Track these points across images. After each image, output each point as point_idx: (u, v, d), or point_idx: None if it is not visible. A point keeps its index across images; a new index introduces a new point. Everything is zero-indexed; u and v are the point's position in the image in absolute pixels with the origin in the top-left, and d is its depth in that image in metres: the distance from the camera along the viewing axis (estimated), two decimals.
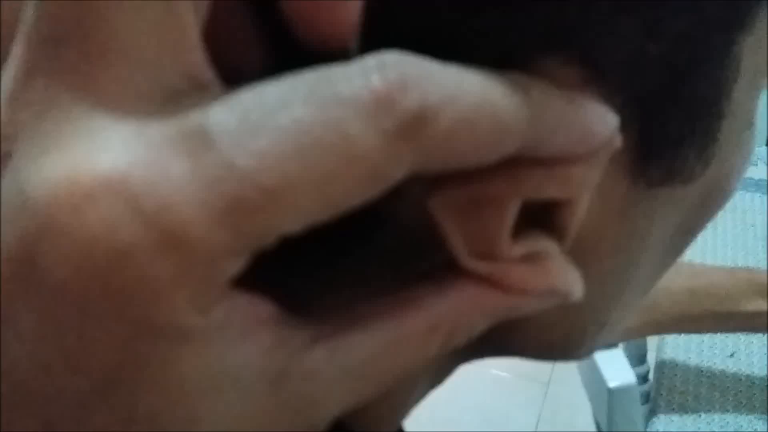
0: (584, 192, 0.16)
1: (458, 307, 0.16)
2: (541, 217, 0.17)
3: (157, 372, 0.12)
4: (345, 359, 0.14)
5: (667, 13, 0.16)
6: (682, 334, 0.76)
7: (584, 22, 0.15)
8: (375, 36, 0.15)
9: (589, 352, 0.25)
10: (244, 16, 0.15)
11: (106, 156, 0.11)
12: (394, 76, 0.12)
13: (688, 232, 0.23)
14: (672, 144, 0.18)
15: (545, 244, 0.17)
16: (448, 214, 0.16)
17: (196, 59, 0.13)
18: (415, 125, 0.12)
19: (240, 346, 0.13)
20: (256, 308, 0.14)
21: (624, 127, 0.16)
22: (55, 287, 0.12)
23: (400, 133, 0.12)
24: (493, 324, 0.16)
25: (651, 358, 0.86)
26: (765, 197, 1.02)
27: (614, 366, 0.69)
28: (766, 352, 0.74)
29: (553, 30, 0.15)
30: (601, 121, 0.15)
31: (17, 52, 0.12)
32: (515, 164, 0.14)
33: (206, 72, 0.13)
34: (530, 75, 0.15)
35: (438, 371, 0.24)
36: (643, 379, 0.96)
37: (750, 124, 0.21)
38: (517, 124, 0.13)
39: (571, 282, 0.16)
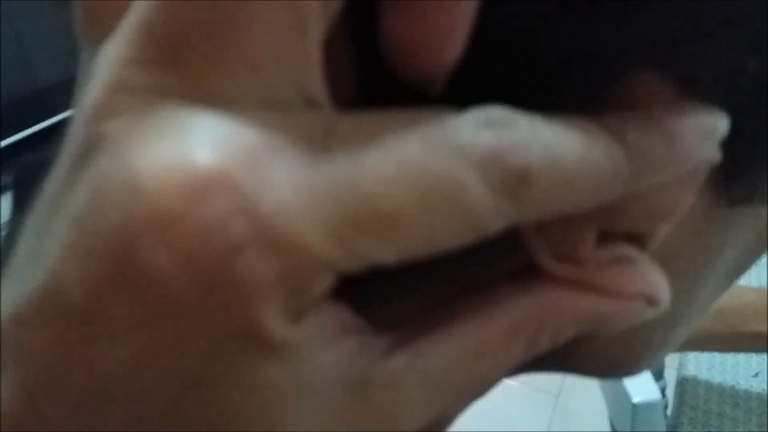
0: (683, 212, 0.15)
1: (544, 308, 0.15)
2: None
3: (246, 375, 0.12)
4: (426, 365, 0.14)
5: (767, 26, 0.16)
6: (704, 352, 0.75)
7: (685, 36, 0.15)
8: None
9: (643, 370, 0.24)
10: (345, 40, 0.14)
11: (225, 152, 0.11)
12: (503, 134, 0.12)
13: (754, 253, 0.23)
14: (758, 163, 0.18)
15: (630, 250, 0.16)
16: (533, 225, 0.15)
17: (315, 79, 0.13)
18: (519, 184, 0.12)
19: (327, 354, 0.13)
20: (341, 316, 0.13)
21: None
22: (155, 279, 0.11)
23: (504, 189, 0.12)
24: (581, 331, 0.16)
25: (668, 374, 0.85)
26: None
27: (638, 381, 0.69)
28: None
29: (652, 44, 0.15)
30: (702, 144, 0.15)
31: (129, 38, 0.12)
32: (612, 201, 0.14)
33: (322, 93, 0.13)
34: (625, 100, 0.15)
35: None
36: (660, 394, 0.95)
37: None
38: (616, 179, 0.14)
39: (662, 288, 0.16)
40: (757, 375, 0.72)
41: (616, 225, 0.15)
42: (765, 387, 0.71)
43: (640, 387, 0.68)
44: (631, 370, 0.23)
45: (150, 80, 0.12)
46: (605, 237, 0.16)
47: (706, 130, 0.15)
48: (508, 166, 0.12)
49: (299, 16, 0.12)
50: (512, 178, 0.12)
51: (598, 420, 0.86)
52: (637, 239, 0.17)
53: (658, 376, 0.97)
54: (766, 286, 0.66)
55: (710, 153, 0.15)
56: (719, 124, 0.15)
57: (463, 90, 0.15)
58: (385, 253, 0.12)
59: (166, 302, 0.11)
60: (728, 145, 0.17)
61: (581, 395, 1.67)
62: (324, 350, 0.13)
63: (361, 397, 0.13)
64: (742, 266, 0.23)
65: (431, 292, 0.18)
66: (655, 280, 0.16)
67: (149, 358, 0.12)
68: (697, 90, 0.16)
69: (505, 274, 0.16)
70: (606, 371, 0.23)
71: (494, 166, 0.12)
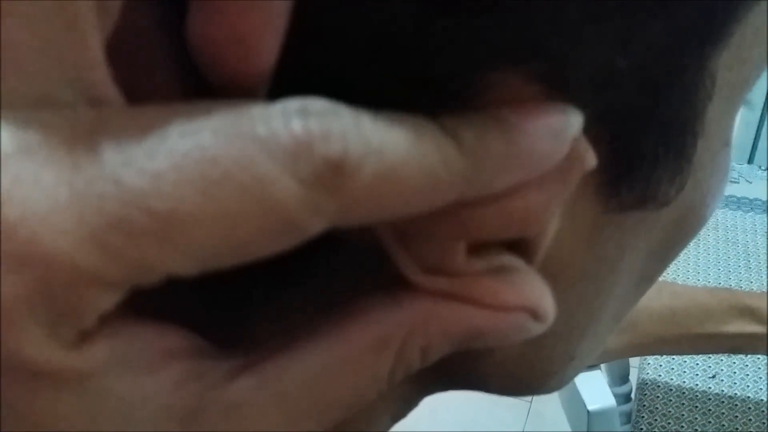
0: (550, 221, 0.14)
1: (413, 321, 0.14)
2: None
3: (25, 408, 0.11)
4: (278, 386, 0.13)
5: (638, 24, 0.15)
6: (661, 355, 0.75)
7: (548, 33, 0.14)
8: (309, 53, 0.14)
9: (558, 387, 0.23)
10: (155, 40, 0.13)
11: None
12: (316, 123, 0.11)
13: (662, 258, 0.22)
14: (644, 165, 0.17)
15: (512, 260, 0.15)
16: (395, 236, 0.14)
17: (97, 77, 0.12)
18: (334, 176, 0.11)
19: (140, 381, 0.12)
20: (163, 340, 0.12)
21: (593, 145, 0.15)
22: None
23: (318, 183, 0.11)
24: (457, 347, 0.15)
25: (633, 378, 0.85)
26: (748, 215, 1.01)
27: (594, 388, 0.68)
28: (747, 373, 0.73)
29: (514, 42, 0.14)
30: (549, 142, 0.14)
31: None
32: (463, 206, 0.13)
33: (109, 91, 0.12)
34: (489, 103, 0.14)
35: (400, 402, 0.23)
36: (625, 398, 0.95)
37: (726, 144, 0.20)
38: (450, 177, 0.12)
39: (546, 301, 0.15)
40: (714, 377, 0.72)
41: (475, 234, 0.14)
42: (722, 388, 0.71)
43: (596, 394, 0.68)
44: (544, 386, 0.22)
45: None
46: (483, 246, 0.15)
47: (553, 128, 0.14)
48: (318, 157, 0.11)
49: (63, 10, 0.11)
50: (326, 170, 0.11)
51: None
52: (522, 250, 0.16)
53: (623, 380, 0.96)
54: (751, 288, 0.66)
55: (560, 152, 0.14)
56: (570, 122, 0.14)
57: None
58: (174, 260, 0.11)
59: None
60: (611, 146, 0.16)
61: (554, 402, 1.67)
62: (140, 377, 0.12)
63: (197, 426, 0.12)
64: (653, 272, 0.22)
65: (301, 308, 0.17)
66: (538, 293, 0.15)
67: None
68: (567, 90, 0.15)
69: (376, 287, 0.15)
70: (514, 389, 0.22)
71: (304, 157, 0.11)
